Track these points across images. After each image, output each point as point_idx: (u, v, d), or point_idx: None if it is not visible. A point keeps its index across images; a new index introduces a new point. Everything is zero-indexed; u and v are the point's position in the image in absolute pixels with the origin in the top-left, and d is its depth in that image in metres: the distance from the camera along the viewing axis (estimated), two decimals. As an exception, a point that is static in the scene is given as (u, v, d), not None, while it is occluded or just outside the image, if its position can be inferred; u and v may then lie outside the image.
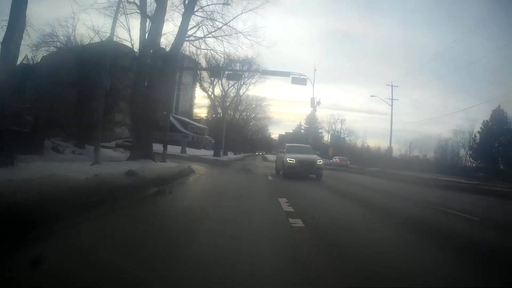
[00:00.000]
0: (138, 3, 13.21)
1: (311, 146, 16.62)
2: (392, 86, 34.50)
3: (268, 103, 63.16)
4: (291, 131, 70.11)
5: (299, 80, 17.03)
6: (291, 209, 5.21)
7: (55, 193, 3.94)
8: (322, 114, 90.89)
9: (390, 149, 34.02)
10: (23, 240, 2.70)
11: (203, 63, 26.03)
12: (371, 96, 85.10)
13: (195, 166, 14.73)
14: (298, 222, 4.19)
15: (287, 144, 16.10)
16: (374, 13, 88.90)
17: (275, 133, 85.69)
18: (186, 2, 14.43)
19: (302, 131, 71.94)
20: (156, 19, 13.10)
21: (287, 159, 12.85)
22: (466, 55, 58.07)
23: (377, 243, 3.54)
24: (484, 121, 29.99)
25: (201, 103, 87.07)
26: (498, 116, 29.11)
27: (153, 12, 13.39)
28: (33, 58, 17.56)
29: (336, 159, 36.16)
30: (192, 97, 72.96)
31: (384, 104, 73.99)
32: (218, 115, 36.46)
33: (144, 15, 13.18)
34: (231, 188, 8.51)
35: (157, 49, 13.80)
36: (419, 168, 28.28)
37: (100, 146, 9.99)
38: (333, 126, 62.91)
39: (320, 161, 13.12)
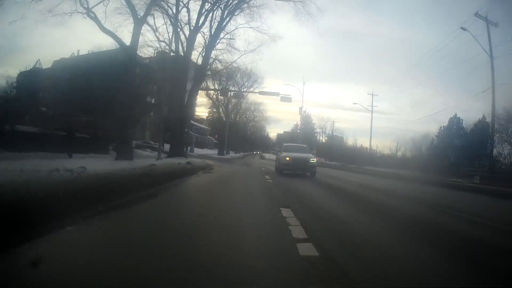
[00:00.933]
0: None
1: (307, 145, 18.19)
2: (372, 95, 40.92)
3: (266, 107, 69.34)
4: (289, 130, 76.06)
5: (286, 98, 23.15)
6: (269, 178, 11.26)
7: (174, 169, 9.99)
8: (317, 114, 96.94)
9: (370, 148, 40.33)
10: (163, 184, 8.74)
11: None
12: (354, 103, 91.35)
13: (209, 162, 20.74)
14: (270, 180, 10.23)
15: (284, 144, 17.71)
16: (369, 12, 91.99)
17: (273, 131, 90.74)
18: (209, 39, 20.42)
19: (298, 130, 78.01)
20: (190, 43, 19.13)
21: (282, 157, 14.04)
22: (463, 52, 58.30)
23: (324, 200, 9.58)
24: (441, 126, 36.09)
25: (199, 102, 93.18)
26: (455, 122, 34.93)
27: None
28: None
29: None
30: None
31: (381, 102, 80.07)
32: (222, 118, 42.50)
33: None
34: (240, 172, 14.58)
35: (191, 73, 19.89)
36: (393, 165, 34.24)
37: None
38: (324, 128, 69.09)
39: (314, 160, 13.96)
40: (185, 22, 19.33)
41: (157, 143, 27.76)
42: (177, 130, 19.12)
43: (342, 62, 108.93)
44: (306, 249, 2.95)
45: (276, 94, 22.85)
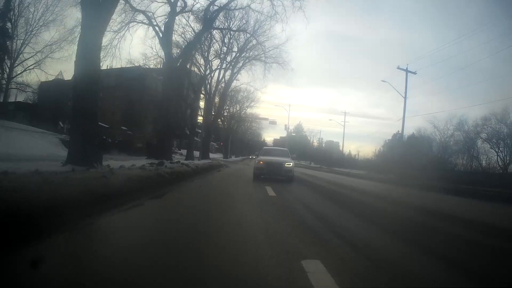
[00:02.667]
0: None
1: (287, 149, 17.77)
2: (345, 113, 49.60)
3: (264, 111, 77.94)
4: (285, 135, 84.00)
5: (272, 122, 31.80)
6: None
7: (208, 165, 18.28)
8: (312, 118, 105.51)
9: (343, 153, 49.15)
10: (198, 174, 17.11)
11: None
12: (329, 120, 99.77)
13: (222, 162, 29.05)
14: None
15: (264, 147, 17.94)
16: (365, 15, 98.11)
17: (271, 136, 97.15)
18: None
19: (294, 134, 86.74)
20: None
21: (257, 161, 13.66)
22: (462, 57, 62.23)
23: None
24: (386, 140, 44.70)
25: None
26: (397, 137, 43.36)
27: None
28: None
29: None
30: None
31: (372, 108, 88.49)
32: (225, 125, 50.81)
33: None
34: (245, 168, 22.73)
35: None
36: (361, 166, 42.64)
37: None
38: (312, 136, 78.19)
39: (290, 164, 13.13)
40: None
41: (180, 150, 36.51)
42: (206, 141, 27.62)
43: (336, 64, 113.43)
44: (270, 192, 11.28)
45: (265, 119, 31.61)
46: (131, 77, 37.00)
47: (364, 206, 7.24)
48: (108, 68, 25.91)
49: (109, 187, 5.04)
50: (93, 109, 7.85)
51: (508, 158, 27.69)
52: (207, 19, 17.06)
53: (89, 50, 7.70)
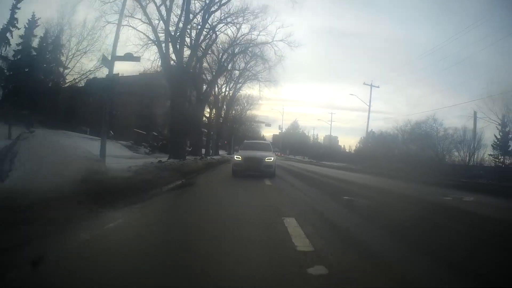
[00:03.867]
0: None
1: (270, 143, 17.16)
2: (331, 113, 57.72)
3: (264, 107, 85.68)
4: (283, 131, 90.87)
5: (267, 124, 39.89)
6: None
7: (220, 160, 26.35)
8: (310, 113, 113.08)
9: (330, 146, 57.23)
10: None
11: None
12: (318, 119, 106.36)
13: (228, 157, 37.04)
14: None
15: (245, 141, 16.51)
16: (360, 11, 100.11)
17: (271, 132, 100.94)
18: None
19: (291, 131, 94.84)
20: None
21: (235, 156, 12.84)
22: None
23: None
24: (361, 137, 53.17)
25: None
26: (370, 134, 51.17)
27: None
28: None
29: (278, 153, 59.27)
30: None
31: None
32: (228, 126, 58.92)
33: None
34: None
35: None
36: (348, 160, 50.66)
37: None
38: (308, 131, 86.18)
39: (270, 159, 12.35)
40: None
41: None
42: (216, 142, 35.71)
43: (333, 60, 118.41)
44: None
45: (263, 122, 39.66)
46: (142, 83, 42.63)
47: (323, 184, 11.89)
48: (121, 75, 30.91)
49: (197, 166, 13.18)
50: (181, 134, 16.01)
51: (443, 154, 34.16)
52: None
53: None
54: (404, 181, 15.15)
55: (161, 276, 2.31)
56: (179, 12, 17.83)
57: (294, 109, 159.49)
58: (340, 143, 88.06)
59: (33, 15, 27.10)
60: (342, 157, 53.95)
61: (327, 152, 65.74)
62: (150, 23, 17.33)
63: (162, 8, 16.98)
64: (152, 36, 17.84)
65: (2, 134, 14.23)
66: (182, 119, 17.29)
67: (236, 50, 25.78)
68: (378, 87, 34.77)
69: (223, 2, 19.05)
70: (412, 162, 29.09)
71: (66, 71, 30.27)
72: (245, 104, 51.44)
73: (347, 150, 71.47)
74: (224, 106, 38.88)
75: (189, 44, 20.17)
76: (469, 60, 63.69)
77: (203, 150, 33.90)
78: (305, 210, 5.48)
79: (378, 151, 37.11)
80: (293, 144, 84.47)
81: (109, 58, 9.69)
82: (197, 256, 2.80)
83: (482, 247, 3.78)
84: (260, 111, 47.75)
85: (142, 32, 18.14)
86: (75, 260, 2.58)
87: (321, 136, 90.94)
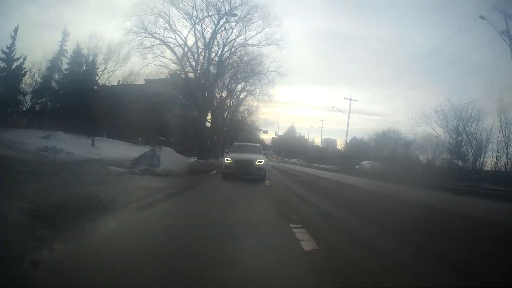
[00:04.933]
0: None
1: (260, 145, 16.85)
2: (322, 121, 64.98)
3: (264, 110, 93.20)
4: (282, 134, 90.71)
5: (265, 131, 47.34)
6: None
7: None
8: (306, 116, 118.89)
9: (321, 150, 64.83)
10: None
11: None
12: (312, 124, 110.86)
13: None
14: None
15: (235, 143, 16.73)
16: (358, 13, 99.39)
17: (269, 135, 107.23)
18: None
19: (287, 135, 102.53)
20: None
21: (225, 158, 12.74)
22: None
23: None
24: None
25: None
26: (354, 139, 58.66)
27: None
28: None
29: (274, 155, 66.82)
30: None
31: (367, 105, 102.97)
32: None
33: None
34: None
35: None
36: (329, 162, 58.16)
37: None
38: (306, 134, 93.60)
39: (261, 161, 12.43)
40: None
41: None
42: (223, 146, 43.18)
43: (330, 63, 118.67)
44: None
45: (261, 130, 47.11)
46: (152, 92, 48.96)
47: (295, 175, 22.54)
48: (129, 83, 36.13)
49: (217, 164, 20.75)
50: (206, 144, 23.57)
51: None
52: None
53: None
54: (354, 176, 22.81)
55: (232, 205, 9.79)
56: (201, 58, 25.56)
57: (294, 110, 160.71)
58: (339, 146, 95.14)
59: (77, 45, 34.50)
60: (329, 159, 61.57)
61: (317, 155, 73.36)
62: (181, 64, 25.05)
63: (189, 54, 24.83)
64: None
65: (87, 143, 21.39)
66: (202, 132, 24.83)
67: (239, 76, 33.58)
68: (356, 100, 42.31)
69: (232, 51, 26.89)
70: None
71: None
72: (246, 114, 58.97)
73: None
74: (228, 116, 46.39)
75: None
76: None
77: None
78: (277, 180, 13.10)
79: (354, 155, 44.81)
80: (289, 147, 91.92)
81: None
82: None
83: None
84: (260, 114, 54.60)
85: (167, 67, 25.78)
86: (203, 187, 10.15)
87: (317, 139, 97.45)
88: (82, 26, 36.41)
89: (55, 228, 3.31)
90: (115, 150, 19.28)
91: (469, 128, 33.09)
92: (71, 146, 15.35)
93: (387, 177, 21.76)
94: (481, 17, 21.10)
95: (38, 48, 63.66)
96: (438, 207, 8.98)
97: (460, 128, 34.44)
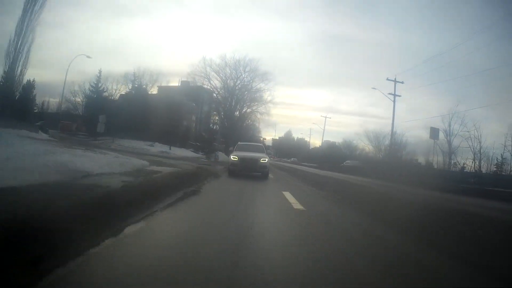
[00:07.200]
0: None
1: (262, 145, 18.30)
2: (325, 117, 79.04)
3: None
4: (282, 136, 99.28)
5: (264, 139, 61.63)
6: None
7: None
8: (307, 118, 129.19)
9: (316, 150, 79.65)
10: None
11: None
12: (312, 128, 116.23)
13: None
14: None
15: (239, 143, 17.20)
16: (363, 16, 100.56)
17: (270, 135, 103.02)
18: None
19: (285, 139, 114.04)
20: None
21: (231, 156, 13.52)
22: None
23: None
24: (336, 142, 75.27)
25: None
26: (347, 142, 73.11)
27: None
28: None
29: (272, 156, 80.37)
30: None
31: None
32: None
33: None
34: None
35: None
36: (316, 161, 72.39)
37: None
38: (306, 136, 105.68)
39: (265, 160, 13.23)
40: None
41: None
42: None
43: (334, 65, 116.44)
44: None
45: (260, 136, 61.40)
46: (169, 100, 53.20)
47: (284, 168, 36.35)
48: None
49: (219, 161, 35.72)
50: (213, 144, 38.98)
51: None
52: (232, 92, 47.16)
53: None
54: (330, 170, 37.57)
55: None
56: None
57: (294, 111, 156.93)
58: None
59: (100, 70, 43.48)
60: (317, 159, 75.81)
61: (307, 156, 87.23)
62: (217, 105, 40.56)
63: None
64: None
65: (167, 148, 35.90)
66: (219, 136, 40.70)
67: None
68: (330, 117, 56.13)
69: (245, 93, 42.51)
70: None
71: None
72: (249, 121, 73.49)
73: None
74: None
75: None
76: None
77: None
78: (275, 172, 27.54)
79: (331, 155, 59.26)
80: (286, 149, 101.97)
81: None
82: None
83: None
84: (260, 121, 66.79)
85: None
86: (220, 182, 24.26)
87: (317, 140, 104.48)
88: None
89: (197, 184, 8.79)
90: (180, 152, 33.91)
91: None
92: (168, 150, 30.29)
93: (357, 172, 26.35)
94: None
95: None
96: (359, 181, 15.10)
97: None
